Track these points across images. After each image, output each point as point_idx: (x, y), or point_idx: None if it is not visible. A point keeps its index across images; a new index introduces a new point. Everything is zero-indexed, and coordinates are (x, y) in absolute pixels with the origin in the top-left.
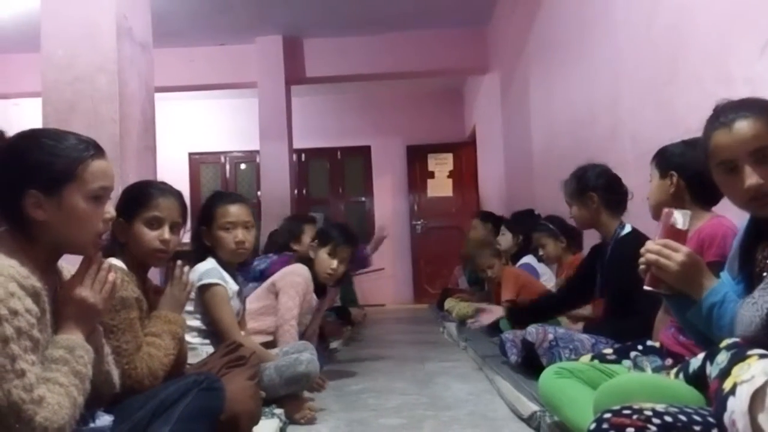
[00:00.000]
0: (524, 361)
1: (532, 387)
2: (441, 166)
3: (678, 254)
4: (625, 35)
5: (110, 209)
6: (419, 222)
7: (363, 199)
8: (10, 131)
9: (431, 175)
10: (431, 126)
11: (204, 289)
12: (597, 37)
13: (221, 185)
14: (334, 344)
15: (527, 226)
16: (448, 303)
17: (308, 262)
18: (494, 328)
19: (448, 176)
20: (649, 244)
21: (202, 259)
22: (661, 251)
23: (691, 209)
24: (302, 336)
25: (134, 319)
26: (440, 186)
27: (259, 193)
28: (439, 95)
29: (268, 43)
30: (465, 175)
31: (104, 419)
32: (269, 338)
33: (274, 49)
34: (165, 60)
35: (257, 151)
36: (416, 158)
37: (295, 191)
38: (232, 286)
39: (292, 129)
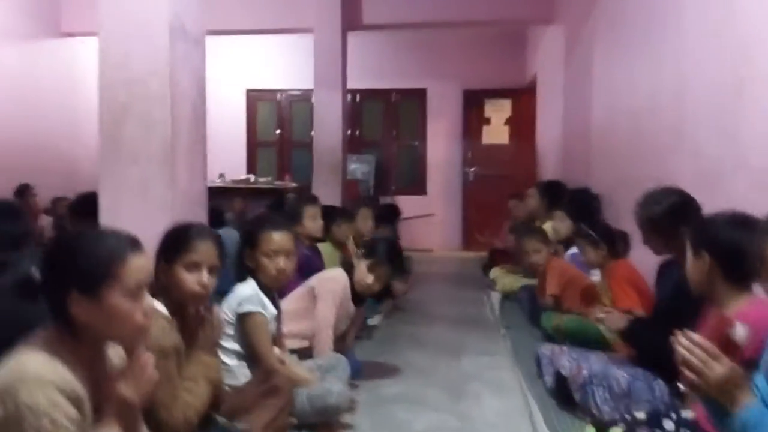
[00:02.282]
0: (558, 387)
1: (562, 423)
2: (498, 112)
3: (720, 366)
4: (694, 36)
5: (150, 302)
6: (472, 169)
7: (416, 143)
8: (76, 68)
9: (487, 121)
10: (490, 70)
11: (244, 316)
12: (665, 29)
13: (277, 122)
14: (373, 320)
15: (582, 210)
16: (494, 272)
17: (350, 267)
18: (536, 315)
19: (505, 123)
20: (690, 343)
21: (242, 279)
22: (703, 359)
23: (725, 290)
24: (339, 340)
25: (171, 367)
26: (496, 133)
27: (312, 132)
28: (500, 39)
29: None
30: (523, 124)
31: None
32: (305, 343)
33: None
34: (221, 3)
35: (312, 90)
36: (472, 103)
37: (348, 132)
38: (271, 310)
39: (346, 74)
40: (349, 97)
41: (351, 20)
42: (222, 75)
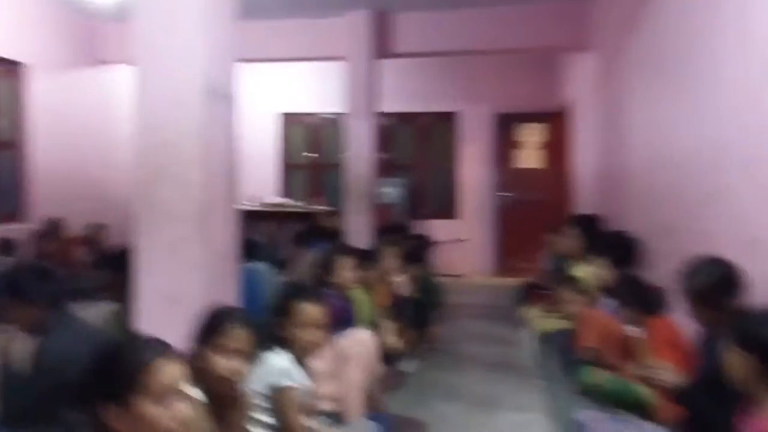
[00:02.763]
0: None
1: None
2: (530, 136)
3: None
4: (733, 87)
5: (182, 407)
6: (504, 193)
7: (448, 166)
8: (110, 95)
9: (520, 145)
10: (522, 94)
11: (278, 390)
12: (703, 76)
13: (309, 145)
14: (408, 366)
15: (621, 258)
16: (529, 312)
17: (375, 328)
18: (572, 367)
19: (538, 147)
20: None
21: (273, 349)
22: None
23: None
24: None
25: None
26: (529, 157)
27: (343, 155)
28: (532, 62)
29: (357, 18)
30: (556, 148)
31: None
32: (335, 405)
33: (362, 24)
34: (255, 32)
35: (344, 113)
36: (504, 127)
37: (379, 156)
38: (304, 382)
39: (377, 100)
40: (380, 120)
41: (382, 49)
42: (255, 98)
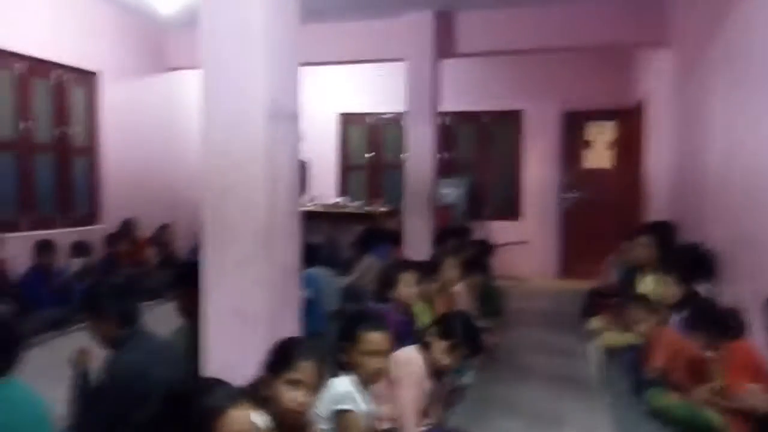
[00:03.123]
0: None
1: None
2: (600, 135)
3: None
4: None
5: None
6: (571, 194)
7: (511, 166)
8: (178, 100)
9: (589, 144)
10: (591, 90)
11: (339, 414)
12: None
13: (368, 145)
14: (466, 378)
15: (692, 274)
16: (595, 323)
17: (425, 344)
18: (640, 386)
19: (608, 147)
20: None
21: (337, 374)
22: None
23: None
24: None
25: None
26: (598, 157)
27: (404, 155)
28: (603, 57)
29: (418, 19)
30: (628, 148)
31: None
32: (391, 425)
33: (424, 25)
34: (316, 35)
35: (404, 113)
36: (573, 125)
37: (440, 156)
38: (365, 407)
39: (439, 100)
40: (441, 120)
41: (444, 49)
42: (314, 98)
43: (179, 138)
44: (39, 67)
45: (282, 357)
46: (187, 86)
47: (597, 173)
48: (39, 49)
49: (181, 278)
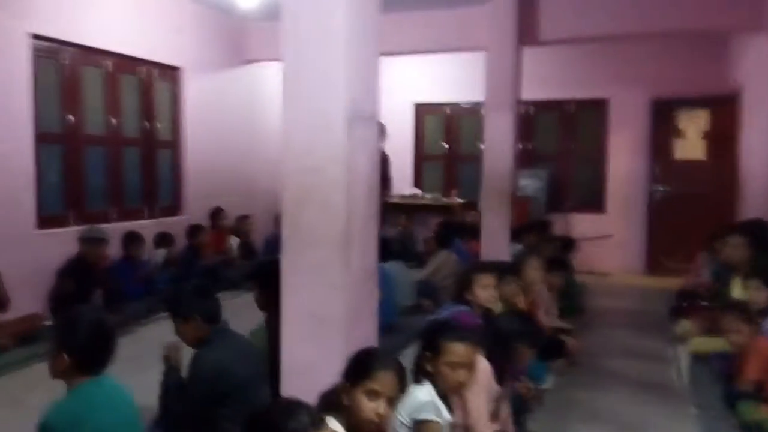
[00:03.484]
0: None
1: None
2: (693, 124)
3: None
4: None
5: None
6: (660, 187)
7: (595, 157)
8: (256, 92)
9: (680, 133)
10: (683, 76)
11: (420, 423)
12: None
13: (444, 135)
14: (545, 383)
15: None
16: (684, 326)
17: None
18: (731, 397)
19: (702, 136)
20: None
21: (419, 381)
22: None
23: None
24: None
25: None
26: (690, 147)
27: (481, 145)
28: (696, 41)
29: (500, 6)
30: (723, 137)
31: None
32: None
33: (506, 13)
34: (394, 25)
35: (482, 103)
36: (663, 113)
37: (519, 146)
38: (446, 416)
39: (520, 89)
40: (521, 109)
41: (526, 37)
42: (390, 88)
43: (258, 129)
44: (126, 63)
45: (360, 367)
46: (267, 78)
47: (688, 165)
48: (126, 47)
49: (259, 278)
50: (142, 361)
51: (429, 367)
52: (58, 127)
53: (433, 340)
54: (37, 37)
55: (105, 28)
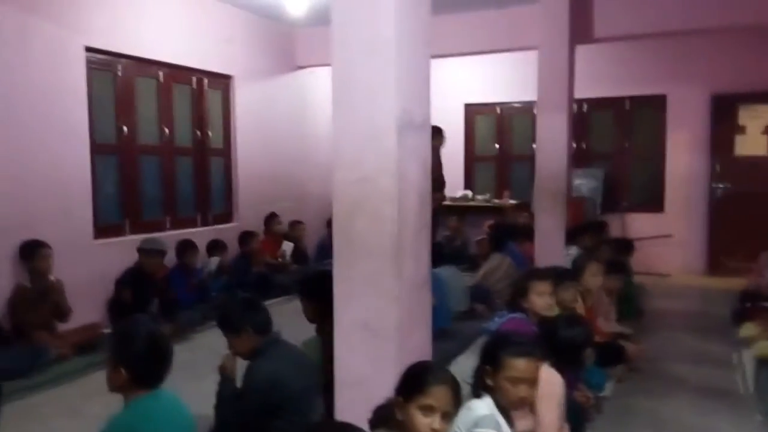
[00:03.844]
0: None
1: None
2: (755, 119)
3: None
4: None
5: None
6: (720, 184)
7: (653, 155)
8: (306, 97)
9: (741, 130)
10: (745, 71)
11: None
12: None
13: (496, 135)
14: (605, 390)
15: None
16: (748, 329)
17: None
18: None
19: (763, 132)
20: None
21: (478, 395)
22: None
23: None
24: None
25: None
26: (751, 143)
27: (534, 145)
28: (754, 34)
29: (552, 4)
30: None
31: None
32: None
33: (559, 10)
34: (444, 27)
35: (534, 102)
36: (723, 110)
37: (574, 145)
38: (506, 430)
39: (573, 88)
40: (575, 107)
41: (579, 35)
42: (439, 89)
43: (309, 134)
44: (178, 73)
45: (414, 382)
46: (316, 82)
47: (750, 161)
48: (178, 57)
49: (306, 290)
50: (197, 369)
51: (489, 382)
52: (113, 138)
53: (493, 355)
54: (90, 50)
55: (157, 38)
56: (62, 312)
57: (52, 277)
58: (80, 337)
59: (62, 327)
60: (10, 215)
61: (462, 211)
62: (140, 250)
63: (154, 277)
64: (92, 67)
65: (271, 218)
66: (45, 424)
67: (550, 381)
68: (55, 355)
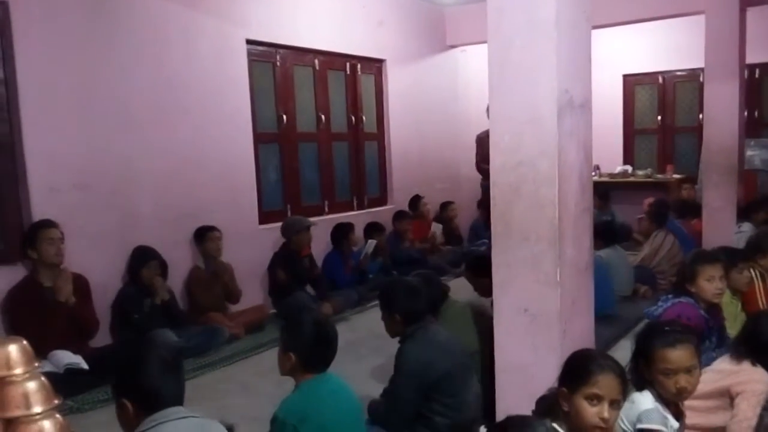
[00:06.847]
0: None
1: None
2: None
3: None
4: None
5: None
6: None
7: None
8: (456, 77)
9: None
10: None
11: None
12: None
13: (658, 107)
14: None
15: None
16: None
17: None
18: None
19: None
20: None
21: (640, 388)
22: None
23: None
24: None
25: None
26: None
27: (701, 116)
28: None
29: None
30: None
31: None
32: None
33: None
34: None
35: (700, 69)
36: None
37: (745, 113)
38: (672, 423)
39: (745, 53)
40: (746, 72)
41: None
42: (595, 61)
43: (459, 114)
44: (333, 60)
45: (578, 372)
46: (467, 61)
47: None
48: (332, 44)
49: (473, 268)
50: (357, 351)
51: (646, 376)
52: (274, 127)
53: (644, 347)
54: (251, 42)
55: (312, 27)
56: (233, 294)
57: (222, 259)
58: (249, 318)
59: (234, 308)
60: (185, 205)
61: (623, 187)
62: (287, 230)
63: (301, 255)
64: (253, 59)
65: (416, 200)
66: (219, 401)
67: (758, 379)
68: (228, 335)
